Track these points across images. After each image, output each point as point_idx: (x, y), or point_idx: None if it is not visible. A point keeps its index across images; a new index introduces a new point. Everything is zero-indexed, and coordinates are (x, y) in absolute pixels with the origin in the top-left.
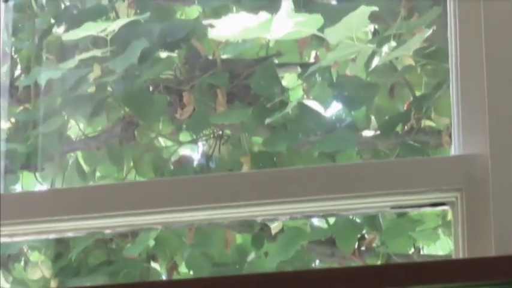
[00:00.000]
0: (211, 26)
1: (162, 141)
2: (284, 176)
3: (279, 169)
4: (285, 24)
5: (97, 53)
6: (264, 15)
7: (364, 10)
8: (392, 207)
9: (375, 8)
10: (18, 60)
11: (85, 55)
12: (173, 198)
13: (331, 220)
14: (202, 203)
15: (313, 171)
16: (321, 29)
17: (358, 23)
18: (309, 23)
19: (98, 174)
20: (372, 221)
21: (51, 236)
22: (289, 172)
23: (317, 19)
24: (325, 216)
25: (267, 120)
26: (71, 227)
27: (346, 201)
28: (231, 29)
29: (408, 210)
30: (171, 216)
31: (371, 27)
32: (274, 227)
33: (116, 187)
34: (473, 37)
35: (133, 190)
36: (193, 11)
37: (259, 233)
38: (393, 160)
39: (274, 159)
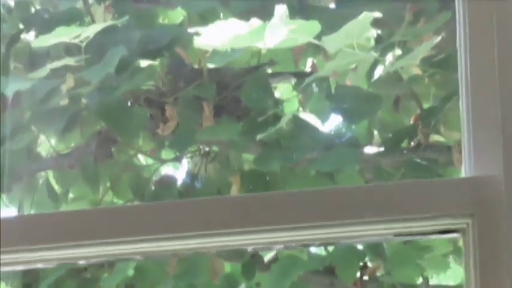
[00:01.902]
0: (197, 34)
1: (142, 159)
2: (278, 199)
3: (272, 193)
4: (279, 32)
5: (70, 61)
6: (255, 21)
7: (366, 16)
8: (397, 235)
9: (378, 15)
10: None
11: (57, 64)
12: (155, 225)
13: (330, 247)
14: (187, 230)
15: (310, 194)
16: (318, 37)
17: (359, 30)
18: (305, 30)
19: (70, 195)
20: (375, 247)
21: (19, 268)
22: (283, 196)
23: (314, 26)
24: (323, 244)
25: (259, 136)
26: (41, 258)
27: (346, 228)
28: (219, 37)
29: (414, 238)
30: (153, 245)
31: (373, 33)
32: (268, 255)
33: (91, 212)
34: (486, 44)
35: (111, 216)
36: (177, 15)
37: (251, 261)
38: (398, 183)
39: (267, 178)
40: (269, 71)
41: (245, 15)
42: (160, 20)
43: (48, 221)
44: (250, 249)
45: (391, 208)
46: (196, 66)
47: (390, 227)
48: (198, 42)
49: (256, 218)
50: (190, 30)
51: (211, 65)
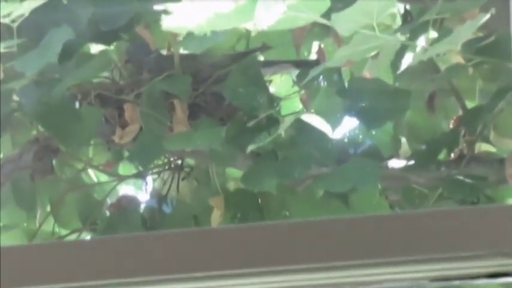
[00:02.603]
0: (166, 12)
1: (93, 176)
2: (274, 232)
3: (266, 224)
4: (274, 9)
5: None
6: None
7: None
8: (433, 280)
9: None
10: None
11: None
12: (111, 266)
13: None
14: (153, 273)
15: (317, 225)
16: (327, 14)
17: (381, 5)
18: (309, 6)
19: None
20: None
21: None
22: (280, 228)
23: (321, 1)
24: None
25: (250, 146)
26: None
27: (365, 270)
28: (195, 15)
29: (456, 283)
30: None
31: (400, 8)
32: None
33: (23, 250)
34: None
35: (51, 252)
36: None
37: None
38: (433, 210)
39: (259, 201)
40: (261, 58)
41: None
42: None
43: None
44: None
45: (425, 244)
46: (164, 52)
47: (424, 269)
48: (167, 23)
49: (246, 257)
50: (157, 6)
51: (184, 51)
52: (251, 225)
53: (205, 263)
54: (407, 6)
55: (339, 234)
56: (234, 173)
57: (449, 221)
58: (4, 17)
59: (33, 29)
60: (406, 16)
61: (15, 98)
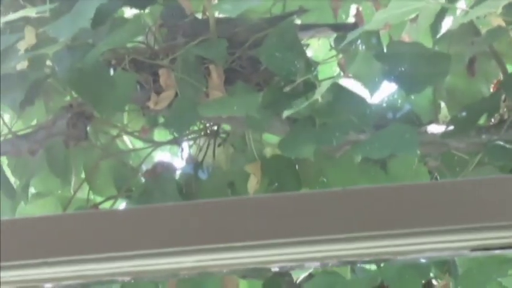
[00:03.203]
0: None
1: (128, 142)
2: (311, 201)
3: (304, 193)
4: None
5: (30, 12)
6: None
7: None
8: (474, 249)
9: None
10: None
11: (12, 16)
12: (146, 237)
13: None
14: (190, 243)
15: (355, 194)
16: None
17: None
18: None
19: (32, 190)
20: (442, 261)
21: None
22: (318, 196)
23: None
24: (373, 262)
25: (286, 112)
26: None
27: (404, 240)
28: None
29: (497, 252)
30: (145, 263)
31: None
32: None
33: (59, 219)
34: None
35: (86, 223)
36: None
37: (275, 279)
38: (473, 179)
39: (296, 167)
40: (298, 22)
41: None
42: None
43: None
44: (275, 268)
45: (466, 213)
46: (199, 16)
47: (465, 239)
48: None
49: (283, 226)
50: None
51: (219, 15)
52: (289, 194)
53: (240, 232)
54: None
55: (378, 203)
56: (271, 139)
57: (490, 190)
58: None
59: None
60: None
61: (48, 63)
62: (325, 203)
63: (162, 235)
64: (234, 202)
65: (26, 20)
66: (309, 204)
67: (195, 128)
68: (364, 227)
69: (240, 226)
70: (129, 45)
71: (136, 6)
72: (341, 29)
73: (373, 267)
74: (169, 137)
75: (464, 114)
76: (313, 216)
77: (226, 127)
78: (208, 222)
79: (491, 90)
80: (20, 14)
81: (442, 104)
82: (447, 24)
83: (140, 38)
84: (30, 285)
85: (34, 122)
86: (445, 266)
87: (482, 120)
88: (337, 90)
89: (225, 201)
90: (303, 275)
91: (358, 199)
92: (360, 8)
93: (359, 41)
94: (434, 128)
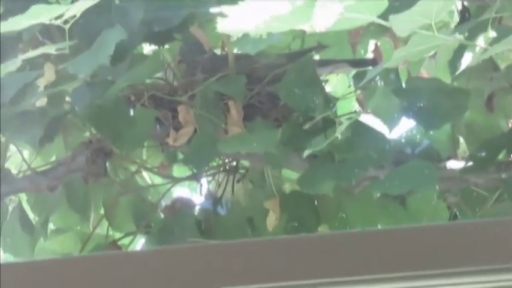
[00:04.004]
0: (222, 15)
1: (148, 178)
2: (331, 242)
3: (323, 234)
4: (332, 10)
5: (50, 49)
6: None
7: None
8: None
9: None
10: None
11: (32, 53)
12: (165, 275)
13: None
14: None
15: (374, 236)
16: (385, 15)
17: (440, 5)
18: (367, 7)
19: (51, 226)
20: None
21: None
22: (337, 238)
23: (379, 1)
24: None
25: (306, 151)
26: None
27: (423, 281)
28: (252, 18)
29: None
30: None
31: (458, 6)
32: None
33: (79, 261)
34: None
35: (108, 264)
36: None
37: None
38: (496, 220)
39: (315, 203)
40: (317, 57)
41: None
42: None
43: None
44: None
45: (487, 252)
46: (218, 52)
47: (484, 281)
48: (223, 26)
49: (302, 267)
50: (212, 9)
51: (239, 51)
52: (307, 235)
53: (267, 272)
54: (465, 3)
55: (398, 244)
56: (290, 175)
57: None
58: (56, 18)
59: (85, 30)
60: (464, 13)
61: (67, 100)
62: (345, 244)
63: (184, 273)
64: (248, 243)
65: (46, 57)
66: (328, 245)
67: (214, 164)
68: (384, 268)
69: (264, 265)
70: (148, 81)
71: (155, 43)
72: (360, 64)
73: None
74: (188, 173)
75: (483, 149)
76: (332, 257)
77: (245, 163)
78: (225, 262)
79: (510, 125)
80: (40, 51)
81: (461, 140)
82: (466, 60)
83: (159, 74)
84: None
85: (53, 159)
86: None
87: (501, 156)
88: (356, 126)
89: (235, 243)
90: None
91: (377, 240)
92: (379, 44)
93: (377, 77)
94: (453, 164)
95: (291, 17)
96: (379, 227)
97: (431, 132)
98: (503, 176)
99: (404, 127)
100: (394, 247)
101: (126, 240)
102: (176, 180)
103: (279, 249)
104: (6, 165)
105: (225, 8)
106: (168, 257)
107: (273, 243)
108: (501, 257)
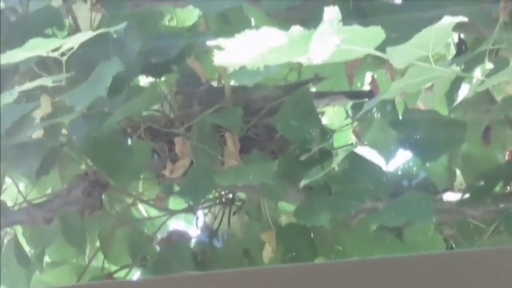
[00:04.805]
0: (219, 48)
1: (144, 210)
2: (329, 271)
3: (321, 263)
4: (329, 43)
5: (47, 81)
6: (296, 29)
7: (448, 22)
8: None
9: (463, 19)
10: None
11: (29, 85)
12: None
13: None
14: None
15: (373, 265)
16: (382, 47)
17: (437, 37)
18: (364, 39)
19: (47, 259)
20: None
21: None
22: (336, 267)
23: (376, 33)
24: None
25: (303, 181)
26: None
27: None
28: (248, 51)
29: None
30: None
31: (454, 38)
32: None
33: None
34: None
35: None
36: (189, 15)
37: None
38: (491, 249)
39: (311, 236)
40: (314, 89)
41: (283, 22)
42: (166, 22)
43: None
44: None
45: (484, 284)
46: (215, 84)
47: None
48: (220, 59)
49: None
50: (209, 42)
51: (235, 83)
52: (306, 264)
53: None
54: (462, 35)
55: (396, 273)
56: (286, 207)
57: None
58: (53, 51)
59: (82, 62)
60: (461, 45)
61: (64, 132)
62: (343, 273)
63: None
64: (243, 273)
65: (42, 89)
66: (325, 274)
67: (210, 196)
68: None
69: None
70: (144, 113)
71: (152, 75)
72: (356, 96)
73: None
74: (185, 206)
75: (480, 181)
76: (329, 286)
77: (242, 195)
78: None
79: (507, 157)
80: (36, 83)
81: (458, 172)
82: (463, 92)
83: (156, 106)
84: None
85: (49, 191)
86: None
87: (498, 188)
88: (353, 158)
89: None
90: None
91: (374, 269)
92: (375, 76)
93: (374, 109)
94: (450, 196)
95: (288, 49)
96: None
97: (428, 164)
98: (500, 207)
99: (401, 159)
100: (392, 276)
101: (121, 273)
102: (172, 213)
103: (275, 278)
104: (2, 197)
105: (221, 41)
106: (163, 286)
107: (270, 271)
108: (499, 286)
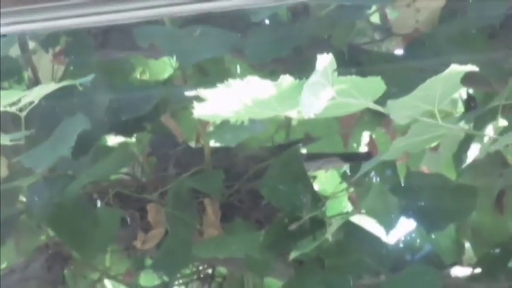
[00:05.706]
0: (199, 99)
1: (111, 287)
2: None
3: None
4: (323, 95)
5: (3, 140)
6: (286, 79)
7: (455, 72)
8: None
9: (473, 68)
10: None
11: None
12: None
13: None
14: None
15: None
16: (381, 100)
17: (444, 89)
18: (361, 91)
19: None
20: None
21: None
22: None
23: (375, 85)
24: None
25: (292, 253)
26: None
27: None
28: (232, 103)
29: None
30: None
31: (463, 93)
32: None
33: None
34: None
35: None
36: (163, 67)
37: None
38: None
39: None
40: (304, 151)
41: (269, 75)
42: (138, 75)
43: None
44: None
45: None
46: (192, 144)
47: None
48: (200, 111)
49: None
50: (187, 92)
51: (216, 143)
52: None
53: None
54: (471, 91)
55: None
56: (273, 283)
57: None
58: (11, 105)
59: (43, 118)
60: (469, 102)
61: (22, 198)
62: None
63: None
64: None
65: None
66: None
67: (187, 271)
68: None
69: None
70: (113, 177)
71: (122, 134)
72: (352, 159)
73: None
74: (158, 282)
75: (492, 255)
76: None
77: (223, 270)
78: None
79: None
80: None
81: (467, 244)
82: (472, 153)
83: (126, 169)
84: None
85: (4, 265)
86: None
87: None
88: (349, 228)
89: None
90: None
91: None
92: (373, 136)
93: (372, 173)
94: (459, 271)
95: (276, 101)
96: None
97: (433, 236)
98: None
99: (403, 229)
100: None
101: None
102: None
103: None
104: None
105: (202, 91)
106: None
107: None
108: None
